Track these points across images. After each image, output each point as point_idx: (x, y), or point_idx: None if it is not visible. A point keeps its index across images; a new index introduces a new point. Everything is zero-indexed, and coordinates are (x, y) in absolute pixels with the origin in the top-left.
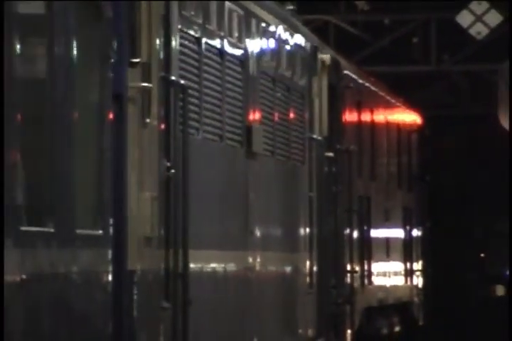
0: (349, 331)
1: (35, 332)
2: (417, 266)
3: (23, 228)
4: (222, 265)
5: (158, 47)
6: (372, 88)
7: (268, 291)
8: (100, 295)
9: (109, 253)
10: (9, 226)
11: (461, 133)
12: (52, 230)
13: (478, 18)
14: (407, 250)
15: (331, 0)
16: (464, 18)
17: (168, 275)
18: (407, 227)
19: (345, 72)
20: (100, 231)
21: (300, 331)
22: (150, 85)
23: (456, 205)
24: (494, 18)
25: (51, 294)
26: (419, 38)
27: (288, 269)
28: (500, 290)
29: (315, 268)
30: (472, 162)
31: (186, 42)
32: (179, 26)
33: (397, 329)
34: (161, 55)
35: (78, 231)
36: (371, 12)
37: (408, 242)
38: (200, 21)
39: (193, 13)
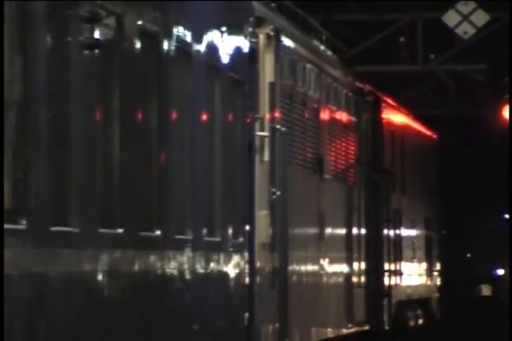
0: (387, 318)
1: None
2: (435, 266)
3: (207, 239)
4: (305, 263)
5: (267, 104)
6: (403, 117)
7: (332, 285)
8: (243, 285)
9: (246, 256)
10: (197, 236)
11: (447, 133)
12: (219, 239)
13: (465, 18)
14: (428, 253)
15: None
16: (451, 18)
17: (274, 271)
18: (428, 234)
19: (383, 105)
20: (241, 240)
21: (354, 317)
22: (266, 134)
23: (456, 207)
24: (481, 18)
25: (214, 286)
26: (405, 38)
27: (346, 268)
28: (486, 290)
29: (363, 267)
30: (461, 162)
31: (283, 99)
32: (279, 88)
33: (420, 319)
34: (269, 110)
35: (230, 240)
36: (358, 11)
37: (429, 246)
38: (291, 82)
39: (286, 76)
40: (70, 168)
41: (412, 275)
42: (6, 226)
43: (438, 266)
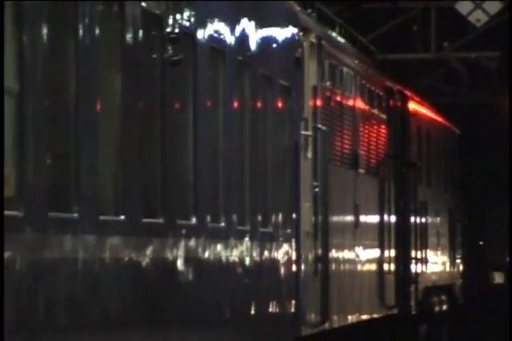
0: (414, 303)
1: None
2: (458, 254)
3: (262, 230)
4: (343, 251)
5: (312, 106)
6: (428, 113)
7: (366, 272)
8: (291, 272)
9: (293, 245)
10: (254, 227)
11: (461, 121)
12: (271, 230)
13: (478, 6)
14: (451, 242)
15: None
16: (464, 6)
17: (317, 259)
18: (451, 224)
19: (410, 102)
20: (289, 230)
21: (385, 302)
22: (309, 133)
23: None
24: (494, 6)
25: (267, 274)
26: (418, 26)
27: (378, 255)
28: (498, 278)
29: (393, 255)
30: (475, 150)
31: (324, 100)
32: (321, 90)
33: (445, 305)
34: (312, 111)
35: (280, 230)
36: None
37: (452, 235)
38: (330, 85)
39: (327, 79)
40: (153, 169)
41: (437, 262)
42: (109, 217)
43: (460, 254)
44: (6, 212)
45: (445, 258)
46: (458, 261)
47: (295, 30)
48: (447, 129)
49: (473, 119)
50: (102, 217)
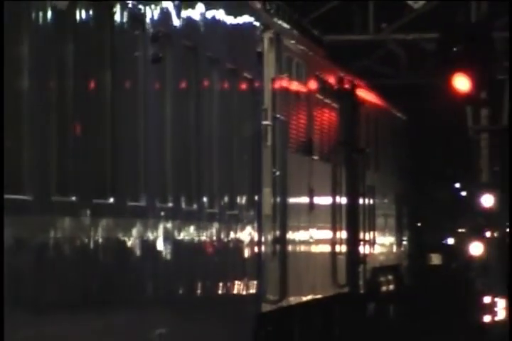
0: (362, 283)
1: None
2: (405, 236)
3: (228, 212)
4: (299, 233)
5: (271, 96)
6: (376, 101)
7: (319, 252)
8: (255, 252)
9: (256, 226)
10: (222, 210)
11: (399, 103)
12: (236, 212)
13: None
14: (398, 224)
15: None
16: None
17: (275, 240)
18: (398, 206)
19: (360, 90)
20: (252, 213)
21: (337, 280)
22: (269, 122)
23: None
24: None
25: (233, 253)
26: (357, 7)
27: (330, 237)
28: (435, 259)
29: (344, 237)
30: (420, 134)
31: (282, 91)
32: (279, 83)
33: (391, 284)
34: (271, 102)
35: (244, 213)
36: None
37: (399, 218)
38: (287, 76)
39: (284, 71)
40: (137, 158)
41: (384, 244)
42: (101, 201)
43: (407, 236)
44: (17, 196)
45: (392, 240)
46: (404, 242)
47: (257, 26)
48: (394, 115)
49: (416, 101)
50: (94, 201)
